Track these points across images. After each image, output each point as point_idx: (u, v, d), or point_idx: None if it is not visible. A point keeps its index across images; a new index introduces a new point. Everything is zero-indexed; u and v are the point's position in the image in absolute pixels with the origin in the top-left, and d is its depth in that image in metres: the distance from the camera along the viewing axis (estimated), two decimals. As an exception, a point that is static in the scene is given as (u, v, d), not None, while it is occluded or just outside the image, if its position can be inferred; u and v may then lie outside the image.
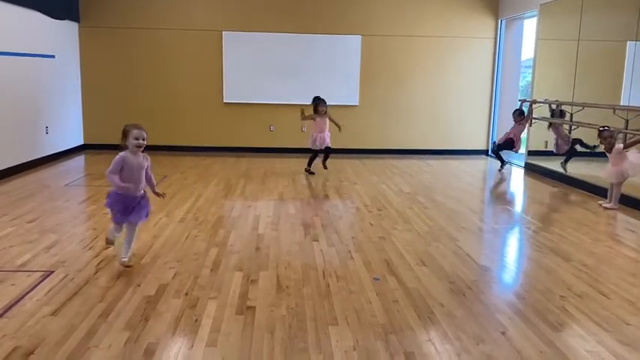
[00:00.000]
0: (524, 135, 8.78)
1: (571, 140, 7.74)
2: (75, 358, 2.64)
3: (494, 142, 8.68)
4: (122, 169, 3.92)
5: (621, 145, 5.95)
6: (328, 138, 8.01)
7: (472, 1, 9.93)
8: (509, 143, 8.39)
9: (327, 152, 8.09)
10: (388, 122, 10.06)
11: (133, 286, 3.55)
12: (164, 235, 4.71)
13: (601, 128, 6.13)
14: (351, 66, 9.85)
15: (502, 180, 8.24)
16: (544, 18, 8.51)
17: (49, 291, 3.43)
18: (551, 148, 8.06)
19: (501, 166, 8.56)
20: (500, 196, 7.49)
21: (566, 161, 7.84)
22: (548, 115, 8.13)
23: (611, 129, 6.10)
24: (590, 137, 7.44)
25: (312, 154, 8.06)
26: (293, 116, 9.94)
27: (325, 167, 8.06)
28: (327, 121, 8.02)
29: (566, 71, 7.84)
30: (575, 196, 6.92)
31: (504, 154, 8.66)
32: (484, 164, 9.50)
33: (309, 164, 8.02)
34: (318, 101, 8.00)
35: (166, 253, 4.22)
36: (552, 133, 7.91)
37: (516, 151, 8.59)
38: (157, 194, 4.15)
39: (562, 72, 8.12)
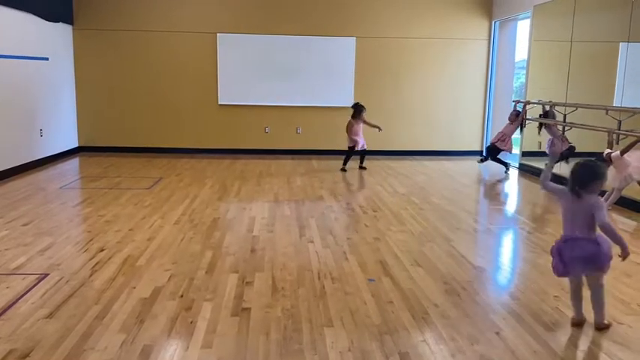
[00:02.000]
0: (518, 136, 8.83)
1: (569, 145, 7.76)
2: (70, 360, 2.65)
3: (487, 150, 8.72)
4: None
5: (618, 152, 5.93)
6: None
7: (466, 2, 9.97)
8: (495, 149, 8.49)
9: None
10: (383, 123, 10.02)
11: (128, 288, 3.55)
12: (159, 237, 4.71)
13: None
14: (345, 68, 9.86)
15: (502, 181, 8.25)
16: (537, 19, 8.55)
17: (45, 294, 3.43)
18: (544, 149, 8.10)
19: (506, 169, 8.58)
20: (494, 197, 7.52)
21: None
22: (541, 115, 8.17)
23: (598, 169, 6.02)
24: (585, 137, 7.48)
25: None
26: (289, 117, 9.99)
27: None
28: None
29: (560, 72, 7.88)
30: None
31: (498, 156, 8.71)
32: (478, 165, 9.52)
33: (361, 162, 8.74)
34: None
35: (161, 255, 4.22)
36: (547, 133, 7.96)
37: (509, 151, 8.61)
38: None
39: (555, 73, 8.16)
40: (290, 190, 6.92)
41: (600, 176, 3.05)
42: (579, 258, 3.06)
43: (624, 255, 3.00)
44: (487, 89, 10.24)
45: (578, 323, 3.16)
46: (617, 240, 3.01)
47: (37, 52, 8.25)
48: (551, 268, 4.06)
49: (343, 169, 8.46)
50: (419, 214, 5.75)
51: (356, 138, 8.54)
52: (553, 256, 3.20)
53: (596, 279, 3.09)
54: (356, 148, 8.58)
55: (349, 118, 8.64)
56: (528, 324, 3.12)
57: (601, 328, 3.08)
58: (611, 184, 6.10)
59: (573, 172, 3.10)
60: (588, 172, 3.05)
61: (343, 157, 8.62)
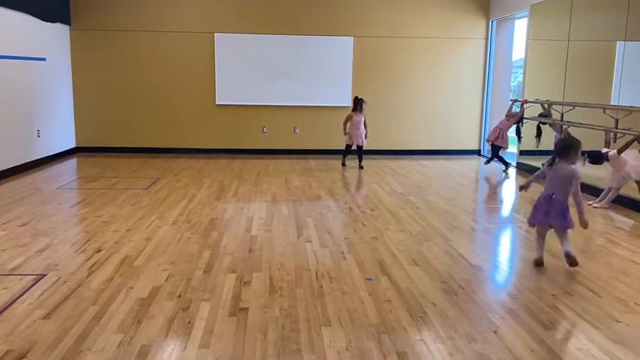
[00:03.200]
0: (514, 135, 8.83)
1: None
2: (67, 361, 2.64)
3: (489, 145, 8.76)
4: None
5: (615, 151, 5.93)
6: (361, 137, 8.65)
7: (463, 2, 9.98)
8: (496, 147, 8.53)
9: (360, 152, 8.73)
10: (381, 123, 10.08)
11: (125, 288, 3.54)
12: (157, 237, 4.71)
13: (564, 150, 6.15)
14: (343, 67, 9.86)
15: (500, 180, 8.27)
16: (535, 18, 8.56)
17: (41, 294, 3.42)
18: (541, 148, 8.10)
19: (505, 168, 8.60)
20: (492, 196, 7.53)
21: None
22: (538, 115, 8.17)
23: (572, 141, 6.02)
24: (582, 136, 7.47)
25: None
26: (287, 117, 9.99)
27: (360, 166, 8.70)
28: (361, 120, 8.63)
29: (557, 71, 7.88)
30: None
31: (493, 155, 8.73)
32: (476, 164, 9.54)
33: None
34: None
35: (159, 255, 4.22)
36: (552, 130, 7.93)
37: (505, 147, 8.61)
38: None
39: (553, 72, 8.16)
40: (288, 189, 6.92)
41: (573, 145, 4.06)
42: (551, 212, 4.00)
43: (582, 223, 3.97)
44: (485, 88, 10.25)
45: (538, 263, 4.08)
46: (581, 210, 3.95)
47: (35, 53, 8.24)
48: (548, 267, 4.11)
49: (344, 164, 8.66)
50: (417, 213, 5.75)
51: (357, 132, 8.54)
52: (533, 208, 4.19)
53: (563, 232, 4.03)
54: (355, 144, 8.56)
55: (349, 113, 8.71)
56: (526, 322, 3.12)
57: (570, 255, 3.97)
58: (609, 183, 6.11)
59: (555, 145, 4.23)
60: (564, 144, 4.11)
61: (341, 156, 8.64)
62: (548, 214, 4.02)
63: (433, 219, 5.51)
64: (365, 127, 8.62)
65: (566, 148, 4.05)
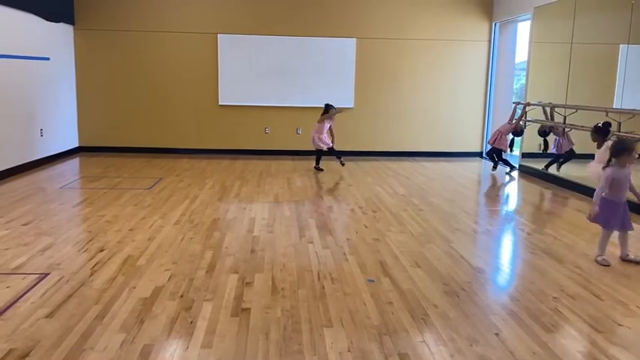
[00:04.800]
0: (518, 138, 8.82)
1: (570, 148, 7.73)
2: (70, 360, 2.65)
3: (490, 154, 8.74)
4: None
5: (610, 142, 5.91)
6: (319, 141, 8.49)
7: (466, 4, 9.98)
8: (497, 150, 8.49)
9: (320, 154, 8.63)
10: (383, 124, 10.10)
11: (128, 288, 3.55)
12: (159, 237, 4.72)
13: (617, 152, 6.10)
14: (346, 68, 9.87)
15: (502, 182, 8.26)
16: (538, 21, 8.56)
17: (44, 293, 3.43)
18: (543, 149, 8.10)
19: (509, 170, 8.56)
20: (494, 198, 7.53)
21: (561, 163, 7.89)
22: (541, 117, 8.16)
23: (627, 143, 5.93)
24: (585, 139, 7.48)
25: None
26: (289, 118, 10.01)
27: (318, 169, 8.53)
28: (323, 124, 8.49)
29: (560, 74, 7.88)
30: (568, 198, 6.95)
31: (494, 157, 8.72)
32: (478, 166, 9.54)
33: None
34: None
35: (162, 255, 4.23)
36: (554, 135, 7.91)
37: (505, 150, 8.56)
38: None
39: (556, 75, 8.16)
40: (290, 190, 6.92)
41: (628, 148, 4.13)
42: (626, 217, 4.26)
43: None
44: (487, 91, 10.25)
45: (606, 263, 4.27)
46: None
47: (38, 52, 8.26)
48: (550, 270, 4.11)
49: (320, 169, 8.49)
50: (418, 214, 5.75)
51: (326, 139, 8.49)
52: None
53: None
54: (325, 148, 8.48)
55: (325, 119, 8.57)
56: (527, 325, 3.13)
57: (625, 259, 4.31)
58: (594, 176, 6.10)
59: (610, 147, 4.29)
60: (620, 147, 4.16)
61: (343, 157, 8.64)
62: (625, 219, 4.27)
63: (435, 221, 5.52)
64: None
65: (621, 150, 4.14)
